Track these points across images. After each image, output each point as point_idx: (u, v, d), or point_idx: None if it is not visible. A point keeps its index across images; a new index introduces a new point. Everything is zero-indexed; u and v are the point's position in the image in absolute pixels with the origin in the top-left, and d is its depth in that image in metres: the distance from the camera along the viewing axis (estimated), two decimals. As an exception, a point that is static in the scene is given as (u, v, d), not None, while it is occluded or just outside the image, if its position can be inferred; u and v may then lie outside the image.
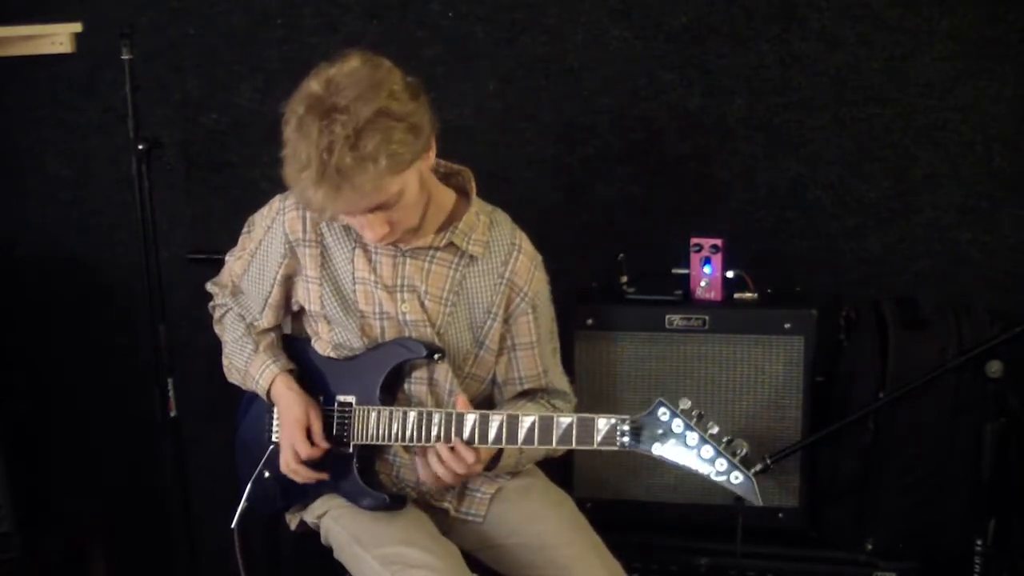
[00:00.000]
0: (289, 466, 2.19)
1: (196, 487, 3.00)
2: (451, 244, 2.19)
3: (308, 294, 2.23)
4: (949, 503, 2.55)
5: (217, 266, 2.42)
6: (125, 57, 2.75)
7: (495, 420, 2.06)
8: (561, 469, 2.57)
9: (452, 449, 2.07)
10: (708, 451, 1.93)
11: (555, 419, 2.03)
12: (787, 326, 2.62)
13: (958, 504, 2.54)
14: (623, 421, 1.99)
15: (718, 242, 2.66)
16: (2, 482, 2.70)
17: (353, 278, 2.20)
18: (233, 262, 2.34)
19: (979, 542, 2.49)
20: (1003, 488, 2.49)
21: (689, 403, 1.96)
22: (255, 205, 2.32)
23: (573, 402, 2.36)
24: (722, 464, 1.93)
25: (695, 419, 1.95)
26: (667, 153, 2.95)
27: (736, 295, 2.69)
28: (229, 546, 2.40)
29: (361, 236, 2.16)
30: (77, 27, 2.96)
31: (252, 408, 2.33)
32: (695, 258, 2.68)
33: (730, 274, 2.69)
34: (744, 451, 1.94)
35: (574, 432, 2.02)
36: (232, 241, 2.37)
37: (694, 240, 2.68)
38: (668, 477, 2.69)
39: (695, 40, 2.89)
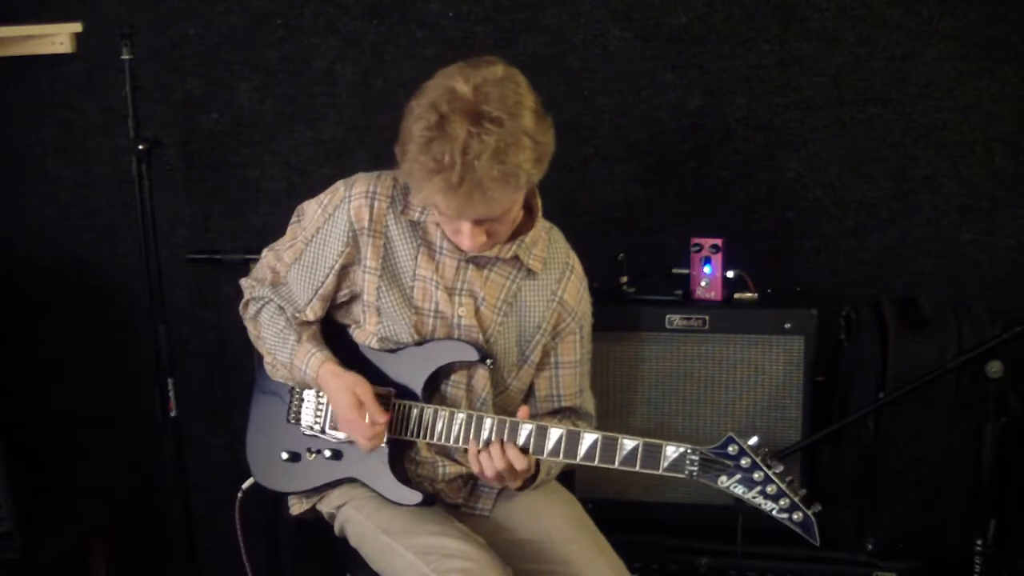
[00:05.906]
0: (365, 434, 2.13)
1: (196, 487, 3.01)
2: (515, 257, 2.19)
3: (365, 283, 2.19)
4: (949, 503, 2.55)
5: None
6: (125, 57, 2.75)
7: (554, 434, 2.06)
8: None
9: (503, 450, 2.08)
10: (772, 488, 1.97)
11: (619, 440, 2.04)
12: (787, 326, 2.62)
13: (958, 504, 2.54)
14: (693, 451, 2.01)
15: (718, 242, 2.66)
16: (2, 482, 2.70)
17: (414, 274, 2.18)
18: (283, 251, 2.28)
19: (979, 542, 2.49)
20: (1003, 488, 2.49)
21: (756, 439, 1.99)
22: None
23: (594, 426, 2.34)
24: (785, 502, 1.97)
25: (761, 456, 1.98)
26: (667, 153, 2.95)
27: (736, 295, 2.69)
28: (231, 529, 2.39)
29: (426, 236, 2.16)
30: (77, 27, 2.97)
31: (264, 392, 2.31)
32: (695, 258, 2.68)
33: (730, 274, 2.69)
34: (804, 492, 1.99)
35: (639, 455, 2.03)
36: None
37: (694, 240, 2.68)
38: (668, 477, 2.68)
39: (695, 40, 2.89)
